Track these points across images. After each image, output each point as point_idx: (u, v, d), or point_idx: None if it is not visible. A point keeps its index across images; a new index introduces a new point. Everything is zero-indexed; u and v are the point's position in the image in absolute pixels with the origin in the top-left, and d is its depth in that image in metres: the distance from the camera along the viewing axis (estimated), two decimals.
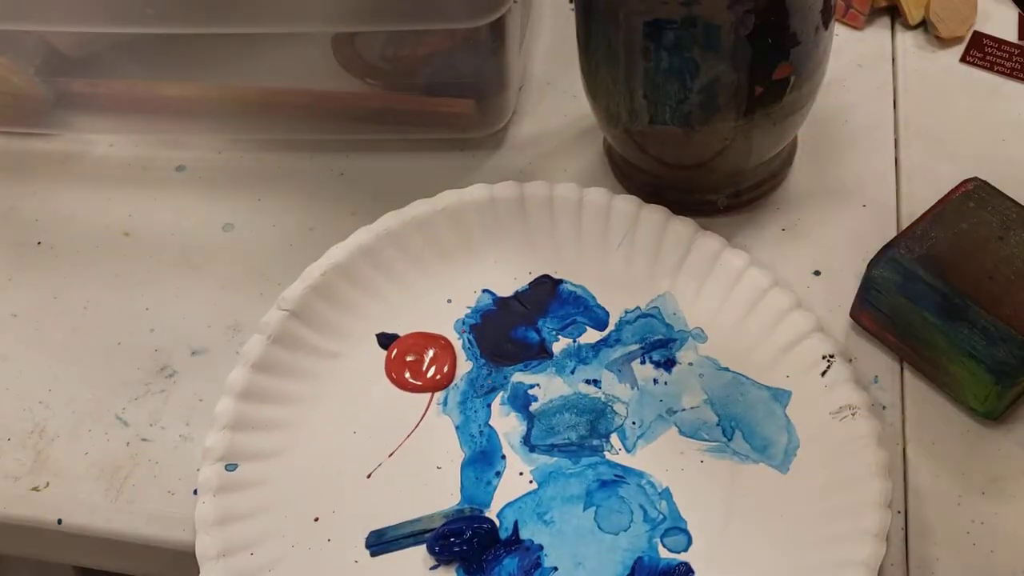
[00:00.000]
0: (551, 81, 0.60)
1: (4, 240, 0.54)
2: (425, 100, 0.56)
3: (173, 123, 0.59)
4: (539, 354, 0.47)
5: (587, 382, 0.46)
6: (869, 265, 0.45)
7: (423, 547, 0.42)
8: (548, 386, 0.46)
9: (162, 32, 0.50)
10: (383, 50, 0.55)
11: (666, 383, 0.46)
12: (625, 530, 0.42)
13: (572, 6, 0.48)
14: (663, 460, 0.44)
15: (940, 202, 0.46)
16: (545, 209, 0.50)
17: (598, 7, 0.45)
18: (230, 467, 0.43)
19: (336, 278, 0.48)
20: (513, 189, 0.50)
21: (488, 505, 0.43)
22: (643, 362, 0.47)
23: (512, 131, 0.57)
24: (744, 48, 0.43)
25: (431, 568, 0.41)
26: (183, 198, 0.54)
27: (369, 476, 0.44)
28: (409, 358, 0.47)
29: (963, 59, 0.58)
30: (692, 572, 0.41)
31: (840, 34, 0.58)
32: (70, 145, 0.59)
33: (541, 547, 0.42)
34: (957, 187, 0.46)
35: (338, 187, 0.56)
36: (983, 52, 0.58)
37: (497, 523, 0.42)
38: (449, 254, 0.50)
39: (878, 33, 0.60)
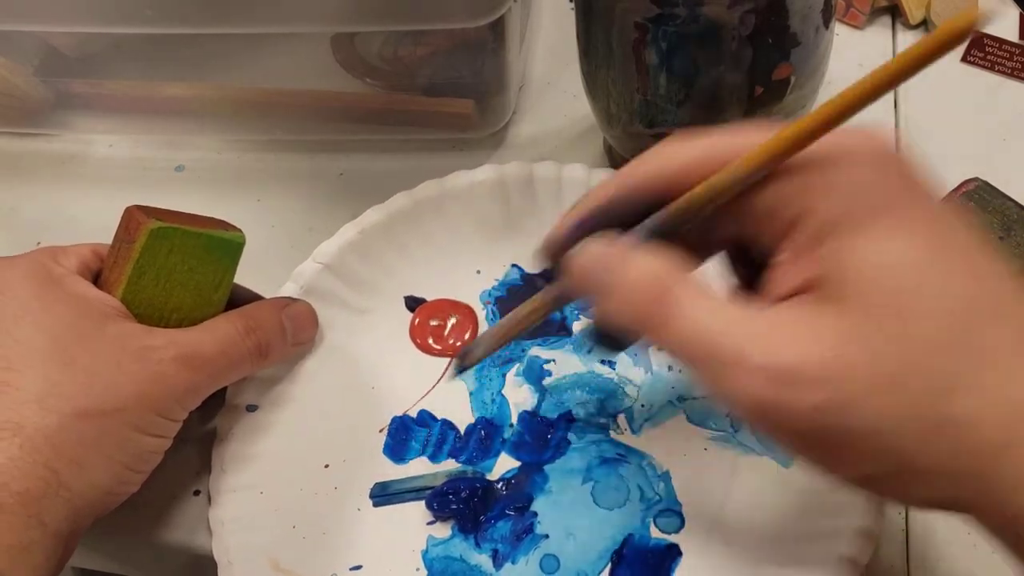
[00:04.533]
0: (551, 81, 0.60)
1: (4, 240, 0.54)
2: (425, 100, 0.56)
3: (173, 123, 0.59)
4: (559, 331, 0.48)
5: (602, 362, 0.47)
6: None
7: (423, 503, 0.43)
8: (564, 363, 0.47)
9: (162, 32, 0.50)
10: (383, 50, 0.55)
11: (680, 371, 0.46)
12: (620, 507, 0.43)
13: (572, 6, 0.47)
14: (667, 444, 0.44)
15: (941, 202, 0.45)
16: (583, 190, 0.50)
17: (598, 7, 0.45)
18: (251, 407, 0.45)
19: (373, 238, 0.49)
20: (551, 169, 0.50)
21: (490, 470, 0.44)
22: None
23: (512, 131, 0.57)
24: (744, 48, 0.43)
25: (428, 523, 0.43)
26: (183, 198, 0.54)
27: (381, 431, 0.45)
28: (433, 323, 0.49)
29: (964, 59, 0.58)
30: (681, 554, 0.41)
31: (841, 34, 0.58)
32: (70, 145, 0.59)
33: (535, 514, 0.43)
34: (958, 187, 0.46)
35: (338, 187, 0.56)
36: (984, 52, 0.58)
37: (496, 487, 0.43)
38: (485, 226, 0.50)
39: (879, 33, 0.60)
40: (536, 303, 0.36)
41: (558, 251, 0.33)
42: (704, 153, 0.30)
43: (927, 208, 0.28)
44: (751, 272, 0.32)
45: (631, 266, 0.30)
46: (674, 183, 0.30)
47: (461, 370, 0.40)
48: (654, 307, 0.29)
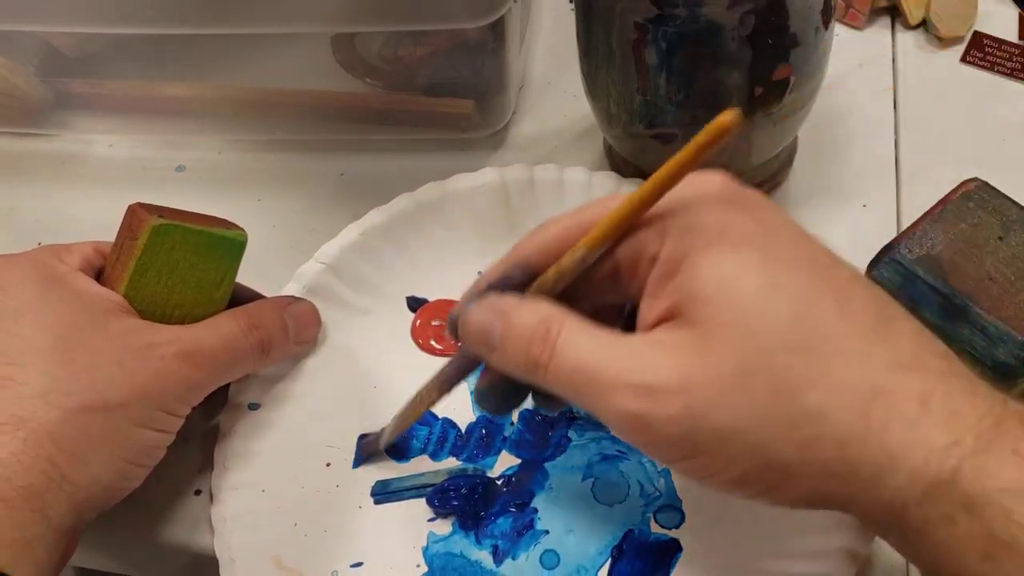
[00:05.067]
0: (551, 81, 0.60)
1: (4, 240, 0.54)
2: (425, 100, 0.56)
3: (173, 123, 0.59)
4: None
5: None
6: (869, 266, 0.45)
7: (424, 500, 0.43)
8: None
9: (162, 32, 0.50)
10: (383, 50, 0.55)
11: None
12: (620, 503, 0.43)
13: (572, 6, 0.48)
14: None
15: (940, 202, 0.46)
16: (583, 193, 0.50)
17: (598, 7, 0.45)
18: (253, 406, 0.45)
19: (375, 239, 0.49)
20: (552, 172, 0.50)
21: (491, 467, 0.44)
22: None
23: (512, 131, 0.57)
24: (744, 49, 0.43)
25: (429, 520, 0.43)
26: (183, 198, 0.54)
27: (382, 429, 0.45)
28: (435, 323, 0.49)
29: (963, 59, 0.58)
30: (681, 549, 0.41)
31: (840, 34, 0.58)
32: (70, 145, 0.59)
33: (536, 510, 0.43)
34: (957, 187, 0.46)
35: (338, 187, 0.56)
36: (983, 52, 0.58)
37: (497, 484, 0.44)
38: (487, 227, 0.50)
39: (878, 33, 0.60)
40: (435, 381, 0.40)
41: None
42: (565, 229, 0.35)
43: (762, 228, 0.32)
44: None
45: (518, 312, 0.34)
46: (547, 256, 0.35)
47: (366, 459, 0.44)
48: (540, 347, 0.32)
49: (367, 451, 0.45)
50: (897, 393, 0.29)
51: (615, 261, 0.34)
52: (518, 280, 0.35)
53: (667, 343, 0.31)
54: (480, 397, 0.38)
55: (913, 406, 0.29)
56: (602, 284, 0.34)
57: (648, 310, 0.32)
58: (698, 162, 0.30)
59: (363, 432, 0.45)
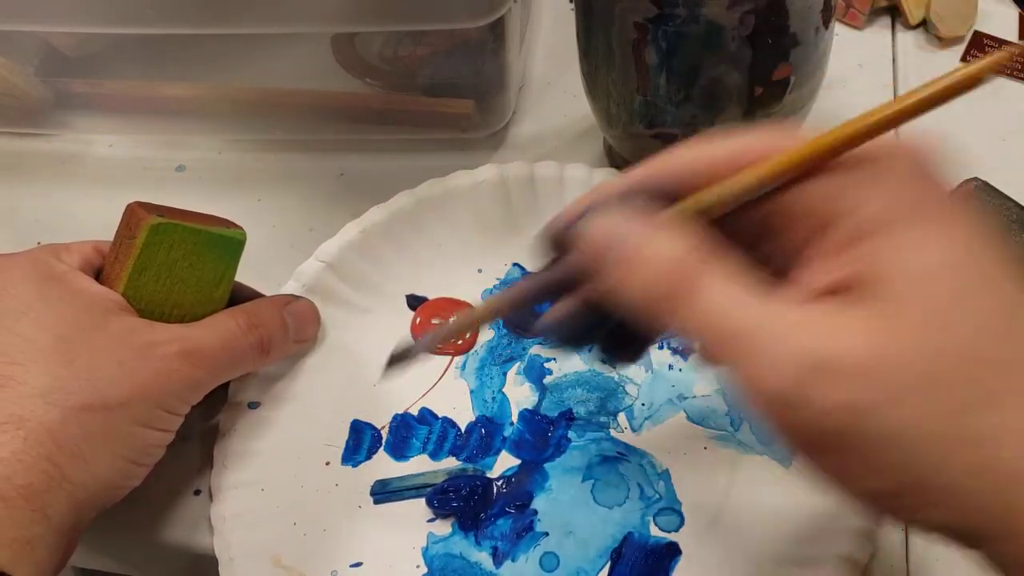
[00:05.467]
0: (551, 81, 0.60)
1: (4, 240, 0.54)
2: (425, 100, 0.56)
3: (173, 123, 0.59)
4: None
5: (603, 361, 0.47)
6: None
7: (423, 500, 0.43)
8: (565, 361, 0.47)
9: (162, 32, 0.50)
10: (383, 50, 0.55)
11: (680, 370, 0.46)
12: (620, 505, 0.43)
13: (572, 6, 0.48)
14: (667, 443, 0.44)
15: None
16: (583, 190, 0.50)
17: (598, 7, 0.45)
18: (252, 405, 0.45)
19: (375, 237, 0.49)
20: (553, 169, 0.50)
21: (491, 467, 0.44)
22: (660, 347, 0.47)
23: (512, 131, 0.57)
24: (744, 49, 0.43)
25: (428, 520, 0.43)
26: (183, 198, 0.54)
27: (382, 428, 0.46)
28: (434, 321, 0.49)
29: (964, 59, 0.58)
30: (680, 553, 0.41)
31: (840, 34, 0.58)
32: (70, 145, 0.59)
33: (535, 511, 0.43)
34: (957, 187, 0.46)
35: (338, 187, 0.56)
36: (984, 52, 0.58)
37: (497, 485, 0.43)
38: (487, 225, 0.50)
39: (878, 33, 0.60)
40: (507, 294, 0.34)
41: (566, 233, 0.30)
42: (734, 151, 0.29)
43: (963, 220, 0.28)
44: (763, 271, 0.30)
45: (654, 239, 0.28)
46: (700, 177, 0.29)
47: (391, 363, 0.39)
48: (677, 283, 0.28)
49: (397, 355, 0.39)
50: None
51: (775, 205, 0.29)
52: (659, 197, 0.29)
53: (846, 318, 0.26)
54: (554, 325, 0.33)
55: None
56: (746, 229, 0.30)
57: (815, 273, 0.28)
58: (924, 112, 0.27)
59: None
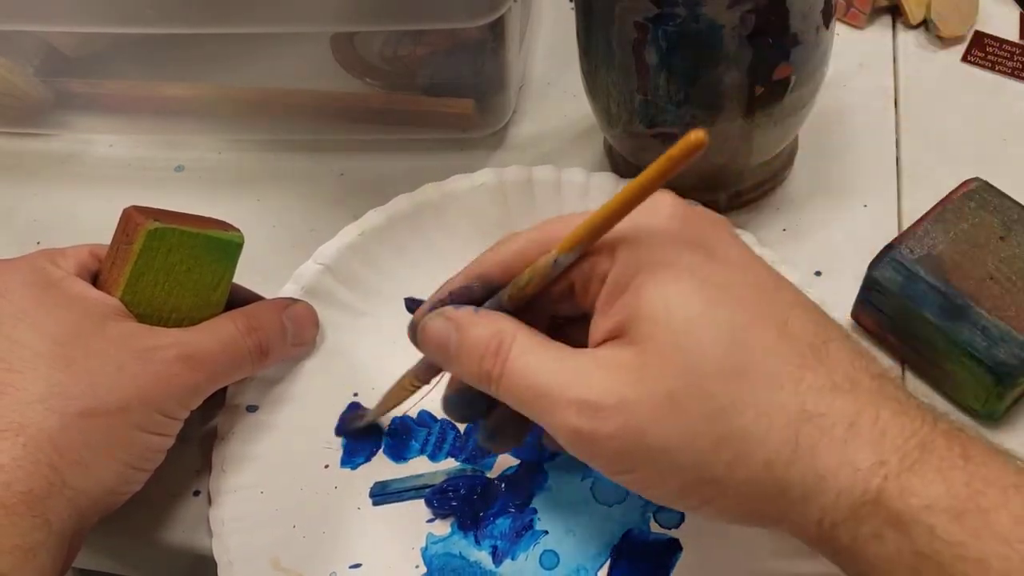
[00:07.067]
0: (551, 81, 0.60)
1: (4, 240, 0.54)
2: (425, 100, 0.56)
3: (173, 123, 0.59)
4: None
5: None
6: (870, 266, 0.45)
7: (422, 501, 0.43)
8: None
9: (162, 32, 0.50)
10: (383, 50, 0.55)
11: None
12: (620, 503, 0.43)
13: (572, 6, 0.47)
14: None
15: (941, 202, 0.45)
16: (581, 194, 0.50)
17: (598, 7, 0.45)
18: (251, 408, 0.45)
19: (373, 240, 0.49)
20: (550, 173, 0.50)
21: (490, 468, 0.44)
22: None
23: (512, 131, 0.57)
24: (744, 48, 0.43)
25: (428, 520, 0.43)
26: (183, 198, 0.54)
27: (382, 429, 0.46)
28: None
29: (964, 58, 0.58)
30: (681, 549, 0.41)
31: (841, 33, 0.58)
32: (70, 145, 0.59)
33: (535, 511, 0.43)
34: (958, 187, 0.46)
35: (338, 187, 0.56)
36: (984, 52, 0.58)
37: (496, 485, 0.43)
38: (485, 228, 0.50)
39: (879, 32, 0.60)
40: (408, 378, 0.41)
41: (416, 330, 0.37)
42: (529, 243, 0.36)
43: (706, 252, 0.33)
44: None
45: (473, 325, 0.35)
46: (515, 265, 0.36)
47: (344, 430, 0.45)
48: (492, 360, 0.34)
49: (348, 424, 0.45)
50: (827, 416, 0.31)
51: (570, 279, 0.35)
52: (477, 293, 0.36)
53: (610, 361, 0.32)
54: (445, 404, 0.39)
55: (842, 428, 0.30)
56: (560, 299, 0.36)
57: (597, 327, 0.34)
58: (667, 179, 0.31)
59: (355, 402, 0.46)
